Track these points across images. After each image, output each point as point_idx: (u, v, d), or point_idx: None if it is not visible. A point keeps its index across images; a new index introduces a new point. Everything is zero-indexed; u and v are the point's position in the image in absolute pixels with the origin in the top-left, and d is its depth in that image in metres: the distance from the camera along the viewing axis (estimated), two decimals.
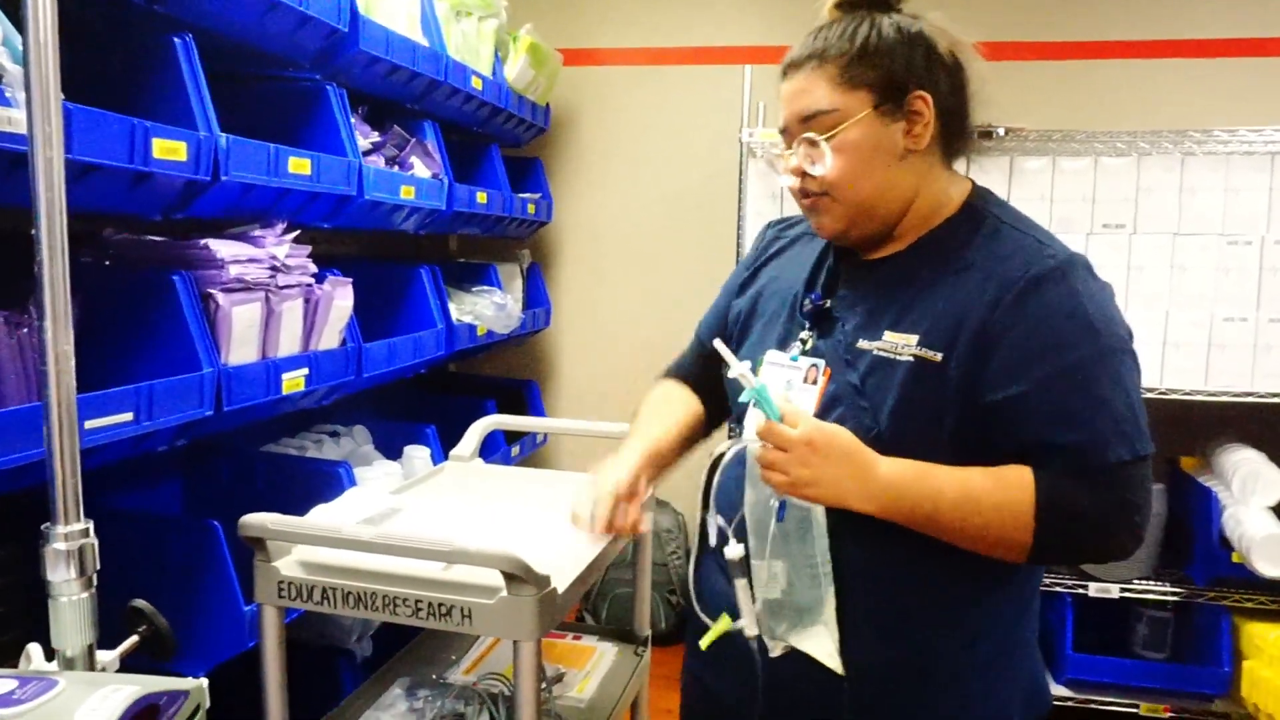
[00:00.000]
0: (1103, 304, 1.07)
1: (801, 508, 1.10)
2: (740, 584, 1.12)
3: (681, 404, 1.37)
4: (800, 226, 1.32)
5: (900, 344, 1.08)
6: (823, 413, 1.11)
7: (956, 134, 1.14)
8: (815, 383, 1.12)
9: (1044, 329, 1.04)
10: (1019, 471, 1.04)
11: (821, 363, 1.13)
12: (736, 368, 1.06)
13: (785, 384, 1.14)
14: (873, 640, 1.11)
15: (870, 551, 1.09)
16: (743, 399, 1.06)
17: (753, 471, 1.12)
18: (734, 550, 1.11)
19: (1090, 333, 1.04)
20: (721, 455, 1.13)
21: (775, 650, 1.15)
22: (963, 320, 1.06)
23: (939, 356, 1.06)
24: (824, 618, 1.11)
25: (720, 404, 1.35)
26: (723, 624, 1.14)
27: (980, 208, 1.15)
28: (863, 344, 1.11)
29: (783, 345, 1.19)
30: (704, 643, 1.15)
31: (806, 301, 1.19)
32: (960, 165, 1.20)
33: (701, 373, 1.38)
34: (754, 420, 1.11)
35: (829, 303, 1.17)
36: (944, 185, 1.16)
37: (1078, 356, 1.03)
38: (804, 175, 1.13)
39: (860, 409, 1.09)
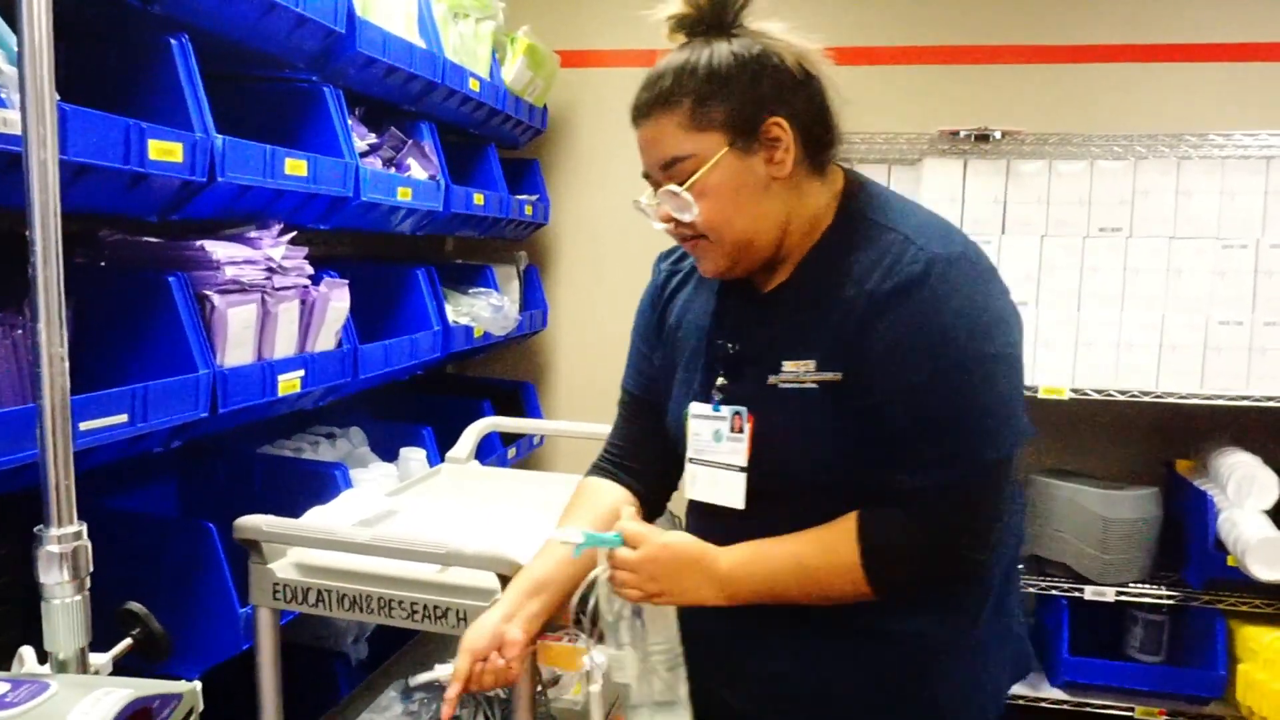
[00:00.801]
0: (968, 305, 1.04)
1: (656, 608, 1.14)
2: (593, 691, 1.17)
3: (589, 511, 1.28)
4: (691, 259, 1.29)
5: (802, 371, 1.08)
6: (758, 456, 1.11)
7: (822, 145, 1.12)
8: (742, 430, 1.12)
9: (900, 346, 1.03)
10: (845, 527, 1.06)
11: (744, 409, 1.13)
12: (555, 535, 1.16)
13: (714, 434, 1.15)
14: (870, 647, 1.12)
15: None
16: (575, 555, 1.13)
17: (605, 583, 1.13)
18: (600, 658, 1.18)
19: (943, 347, 1.02)
20: (593, 582, 1.14)
21: None
22: (848, 336, 1.06)
23: (839, 376, 1.06)
24: (679, 697, 1.13)
25: (666, 461, 1.29)
26: None
27: (854, 209, 1.13)
28: (772, 380, 1.10)
29: (704, 394, 1.18)
30: None
31: (716, 346, 1.18)
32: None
33: (637, 438, 1.34)
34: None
35: (733, 347, 1.16)
36: (817, 197, 1.13)
37: (925, 375, 1.02)
38: (675, 221, 1.12)
39: (793, 446, 1.09)
